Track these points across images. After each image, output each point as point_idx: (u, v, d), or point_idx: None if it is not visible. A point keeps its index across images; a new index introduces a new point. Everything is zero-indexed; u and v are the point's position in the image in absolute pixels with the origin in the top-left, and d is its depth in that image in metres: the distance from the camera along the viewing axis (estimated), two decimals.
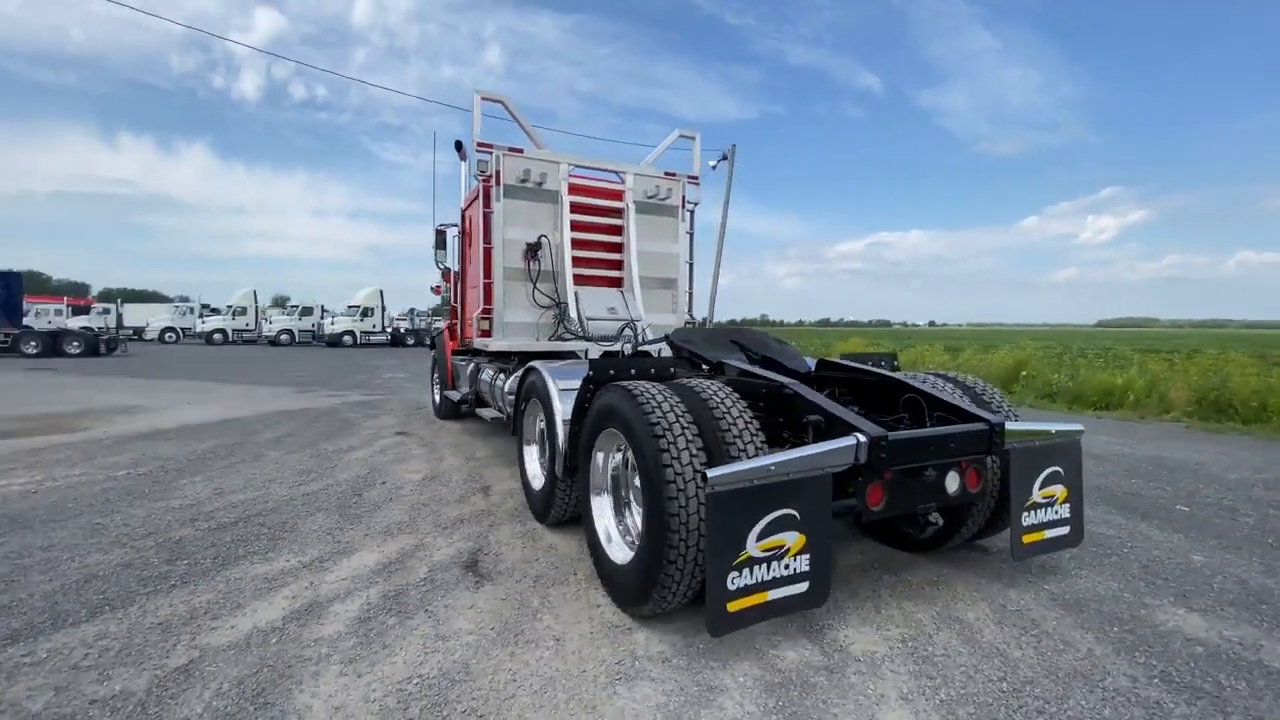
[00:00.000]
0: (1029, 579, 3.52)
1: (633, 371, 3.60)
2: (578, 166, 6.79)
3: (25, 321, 24.50)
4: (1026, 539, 3.29)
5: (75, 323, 35.64)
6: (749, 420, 2.94)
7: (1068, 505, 3.44)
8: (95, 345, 23.01)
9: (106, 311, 41.72)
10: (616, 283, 6.99)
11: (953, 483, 3.10)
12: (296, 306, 40.83)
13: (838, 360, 4.17)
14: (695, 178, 7.36)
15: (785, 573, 2.60)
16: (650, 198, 7.06)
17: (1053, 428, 3.40)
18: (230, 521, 4.41)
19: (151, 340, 38.85)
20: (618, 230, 6.98)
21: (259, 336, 38.45)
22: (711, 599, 2.43)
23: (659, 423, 2.80)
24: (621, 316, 6.48)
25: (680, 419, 2.85)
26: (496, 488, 5.46)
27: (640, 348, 5.79)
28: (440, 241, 8.83)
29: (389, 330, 35.99)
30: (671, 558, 2.66)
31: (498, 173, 6.29)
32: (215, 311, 41.27)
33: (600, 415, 3.31)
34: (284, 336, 36.84)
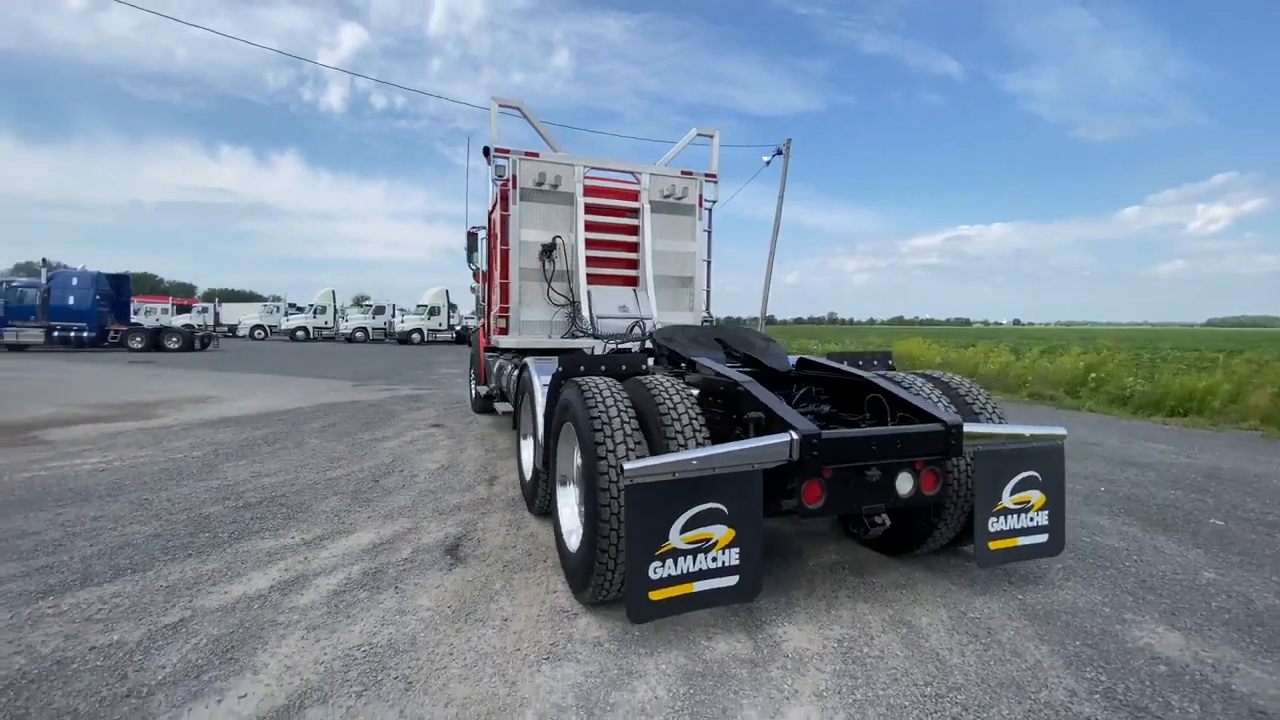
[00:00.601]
0: (1004, 588, 3.39)
1: (603, 368, 3.72)
2: (594, 168, 6.96)
3: (134, 319, 27.22)
4: (994, 545, 3.18)
5: (178, 320, 39.29)
6: (694, 416, 3.01)
7: (1046, 512, 3.29)
8: (191, 341, 25.29)
9: (205, 310, 45.64)
10: (632, 281, 7.11)
11: (905, 484, 3.04)
12: (371, 305, 43.29)
13: (815, 359, 4.13)
14: (713, 176, 7.37)
15: (713, 565, 2.66)
16: (666, 197, 7.13)
17: (1027, 430, 3.27)
18: (256, 501, 4.85)
19: (243, 337, 42.18)
20: (634, 230, 7.10)
21: (336, 334, 41.00)
22: (631, 586, 2.52)
23: (598, 416, 2.92)
24: (632, 315, 6.60)
25: (622, 414, 2.95)
26: (502, 479, 5.71)
27: (648, 345, 5.92)
28: (472, 244, 9.22)
29: (455, 328, 37.51)
30: (603, 546, 2.77)
31: (514, 177, 6.54)
32: (299, 310, 44.32)
33: (561, 409, 3.46)
34: (359, 334, 39.12)
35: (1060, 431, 3.35)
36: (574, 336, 6.56)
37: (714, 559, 2.66)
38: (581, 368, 3.68)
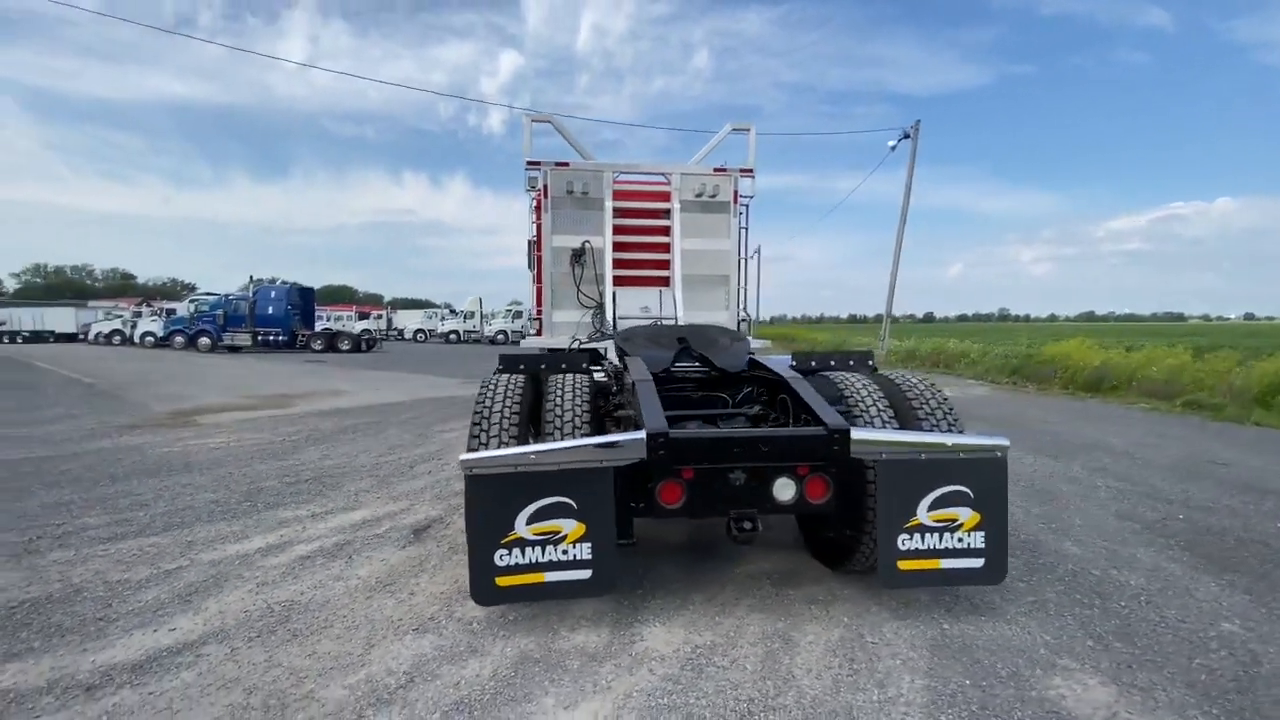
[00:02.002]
0: (936, 615, 3.04)
1: (543, 366, 3.90)
2: (623, 172, 7.13)
3: (318, 325, 32.21)
4: (907, 565, 2.87)
5: (358, 326, 45.64)
6: (580, 412, 3.10)
7: (981, 534, 2.90)
8: (358, 343, 29.36)
9: (379, 317, 52.51)
10: (664, 282, 7.16)
11: (786, 491, 2.88)
12: (511, 310, 47.04)
13: (760, 359, 3.95)
14: (749, 171, 7.18)
15: (563, 558, 2.74)
16: (699, 196, 7.09)
17: (950, 440, 2.90)
18: (306, 479, 5.69)
19: (408, 340, 47.93)
20: (665, 230, 7.15)
21: (481, 336, 45.11)
22: (474, 570, 2.70)
23: (478, 409, 3.12)
24: (653, 315, 6.66)
25: (508, 407, 3.13)
26: None
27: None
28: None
29: None
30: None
31: (545, 186, 6.92)
32: (455, 315, 49.35)
33: None
34: (500, 336, 42.71)
35: (998, 442, 2.92)
36: (599, 338, 6.78)
37: (564, 552, 2.73)
38: (521, 365, 3.90)
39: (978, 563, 2.90)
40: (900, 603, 3.16)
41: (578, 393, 3.21)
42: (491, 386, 3.27)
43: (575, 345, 5.42)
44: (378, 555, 3.83)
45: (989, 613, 3.07)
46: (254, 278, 30.68)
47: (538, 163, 6.94)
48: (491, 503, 2.69)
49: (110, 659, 2.62)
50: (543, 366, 3.89)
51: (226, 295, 29.83)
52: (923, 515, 2.87)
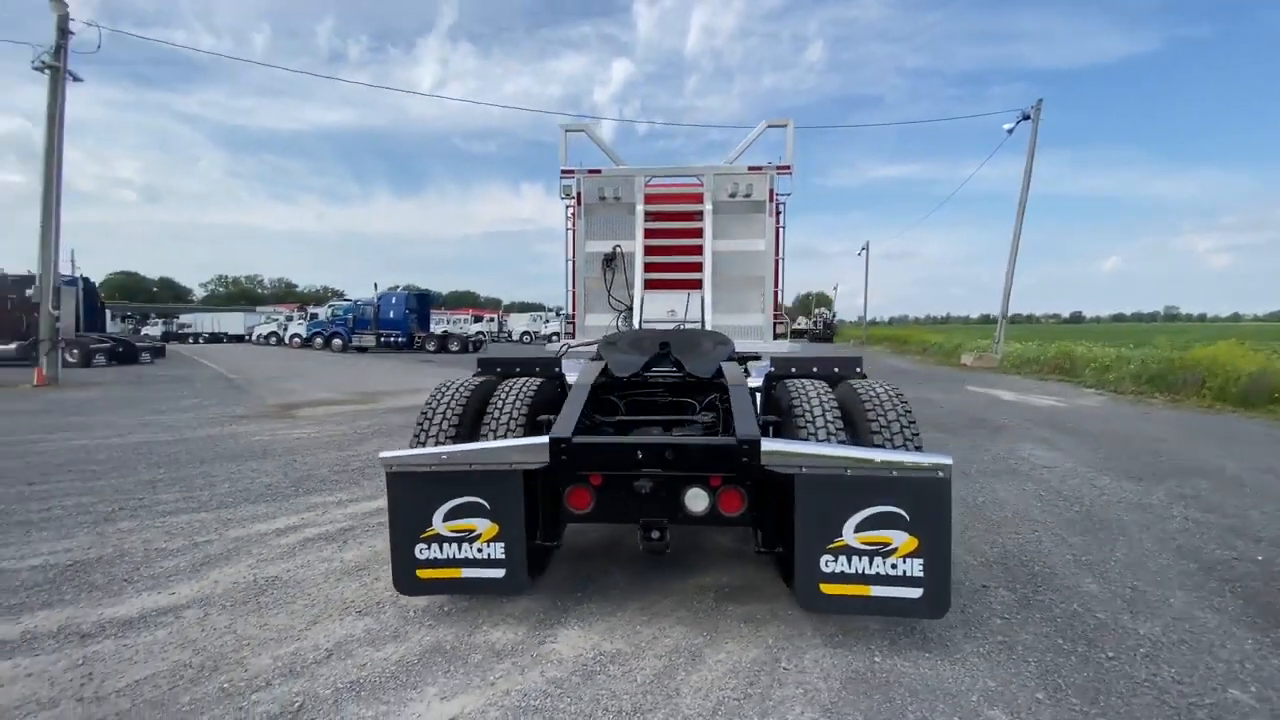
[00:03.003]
0: (875, 645, 2.80)
1: (518, 370, 4.06)
2: (656, 176, 7.15)
3: (434, 328, 34.97)
4: (830, 589, 2.68)
5: (473, 328, 48.93)
6: (517, 415, 3.21)
7: (919, 561, 2.64)
8: (467, 344, 31.52)
9: (491, 320, 55.93)
10: (696, 285, 7.08)
11: (698, 502, 2.80)
12: None
13: (727, 365, 3.82)
14: (786, 167, 6.92)
15: (478, 556, 2.86)
16: (732, 196, 6.94)
17: (879, 456, 2.66)
18: (353, 469, 6.28)
19: (515, 340, 50.66)
20: (698, 233, 7.07)
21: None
22: (396, 561, 2.88)
23: (424, 410, 3.31)
24: (679, 319, 6.61)
25: (450, 409, 3.30)
26: None
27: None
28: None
29: None
30: None
31: (579, 194, 7.11)
32: (559, 317, 51.51)
33: None
34: (524, 336, 44.04)
35: (939, 461, 2.62)
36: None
37: (479, 550, 2.85)
38: (498, 369, 4.08)
39: (914, 593, 2.64)
40: (841, 629, 2.94)
41: (519, 396, 3.31)
42: (444, 389, 3.45)
43: (564, 350, 5.52)
44: (369, 542, 4.16)
45: (938, 649, 2.78)
46: (377, 284, 33.97)
47: (572, 170, 7.14)
48: (410, 499, 2.86)
49: (113, 614, 3.10)
50: (517, 370, 4.04)
51: (356, 301, 33.26)
52: (849, 536, 2.66)
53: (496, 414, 3.23)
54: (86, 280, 24.14)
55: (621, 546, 4.01)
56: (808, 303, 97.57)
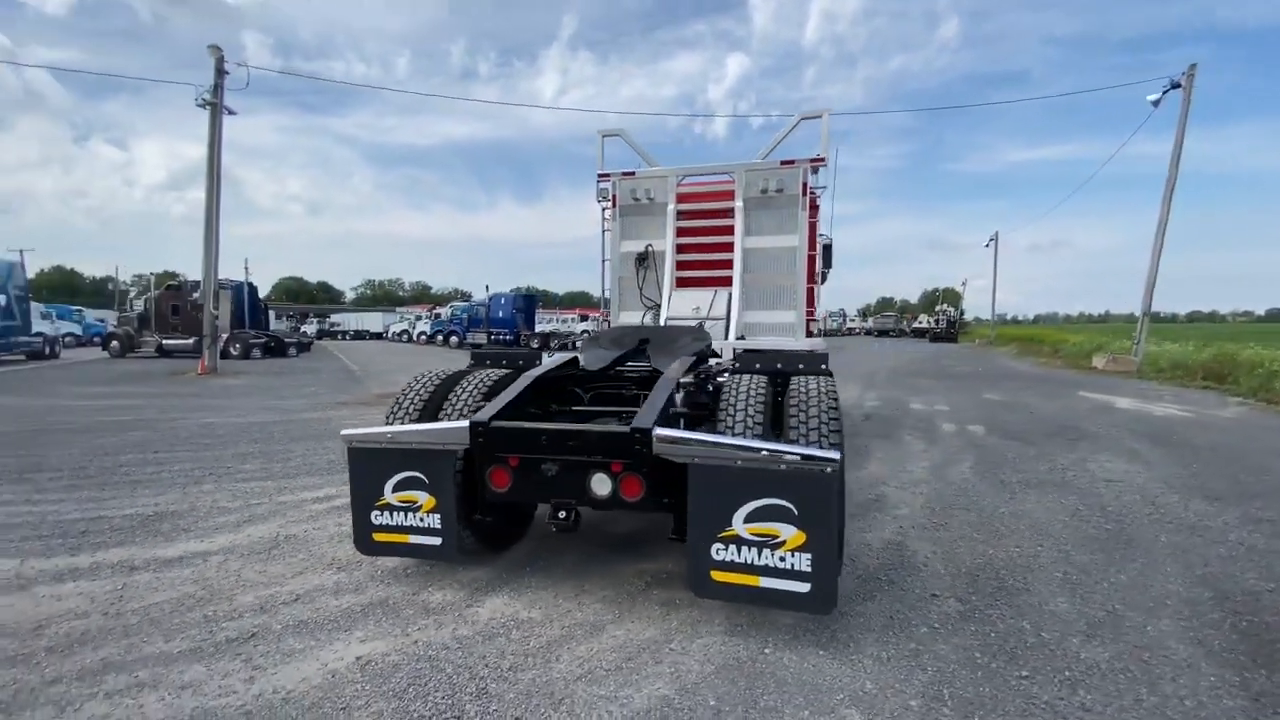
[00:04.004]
0: (775, 638, 2.82)
1: (504, 361, 4.42)
2: (689, 175, 7.25)
3: (540, 328, 36.95)
4: (721, 576, 2.75)
5: (579, 327, 50.89)
6: (471, 400, 3.56)
7: (807, 556, 2.64)
8: (566, 342, 32.98)
9: (597, 319, 57.81)
10: (727, 282, 7.10)
11: (602, 486, 2.96)
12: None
13: (676, 361, 3.90)
14: (820, 160, 6.74)
15: (419, 524, 3.23)
16: (763, 192, 6.88)
17: (769, 447, 2.67)
18: None
19: None
20: (729, 230, 7.09)
21: None
22: (356, 524, 3.33)
23: (398, 395, 3.74)
24: (702, 316, 6.68)
25: (417, 394, 3.71)
26: None
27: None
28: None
29: None
30: None
31: (614, 196, 7.39)
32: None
33: None
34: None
35: (828, 455, 2.59)
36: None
37: (420, 519, 3.23)
38: (488, 361, 4.47)
39: (802, 587, 2.63)
40: (751, 620, 2.98)
41: (477, 386, 3.65)
42: (419, 378, 3.88)
43: (553, 347, 5.79)
44: (337, 522, 4.71)
45: (837, 648, 2.74)
46: (488, 286, 36.48)
47: (608, 174, 7.44)
48: (366, 471, 3.29)
49: (161, 555, 3.84)
50: (504, 362, 4.40)
51: (471, 302, 35.94)
52: (738, 526, 2.71)
53: (454, 400, 3.59)
54: (250, 285, 28.22)
55: (585, 532, 4.23)
56: (934, 299, 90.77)
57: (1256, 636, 2.85)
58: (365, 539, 3.33)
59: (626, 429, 2.83)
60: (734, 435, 3.03)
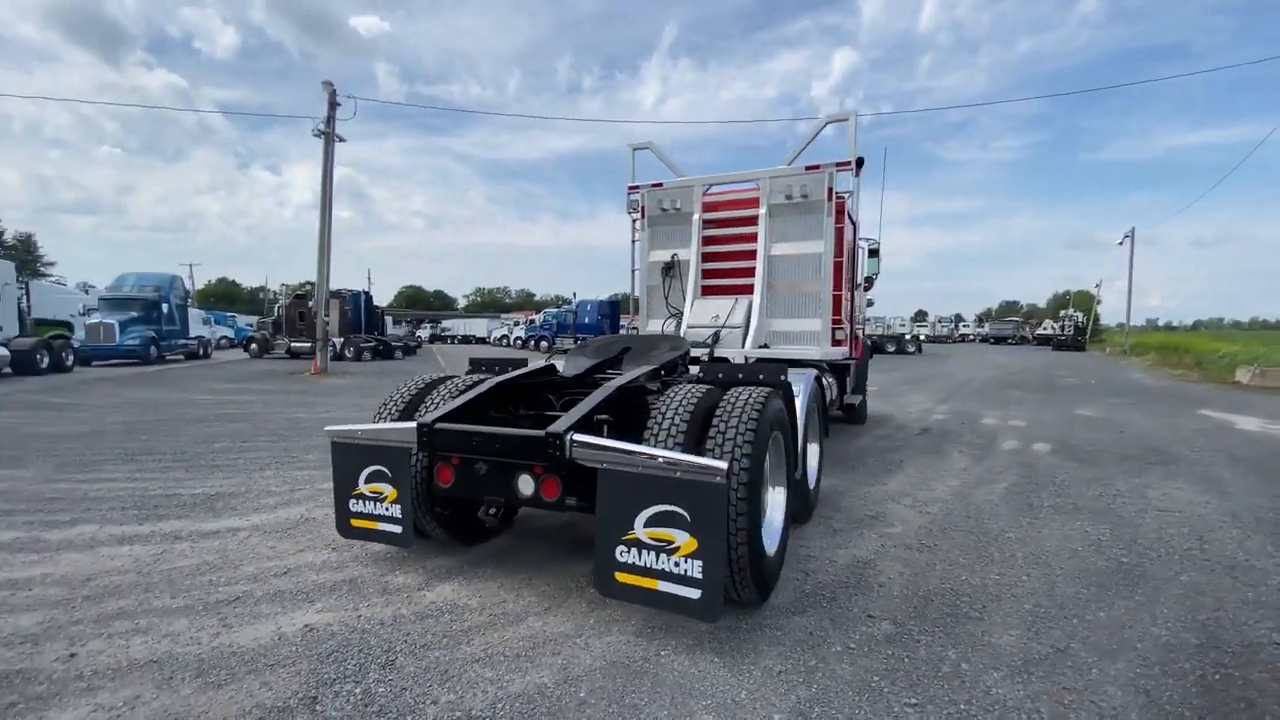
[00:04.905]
0: (677, 640, 2.90)
1: (495, 368, 4.76)
2: (715, 184, 7.30)
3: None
4: (623, 578, 2.87)
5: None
6: (441, 401, 3.91)
7: (699, 563, 2.71)
8: None
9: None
10: (750, 290, 7.07)
11: (526, 487, 3.17)
12: None
13: (635, 370, 4.01)
14: (847, 163, 6.55)
15: (385, 513, 3.61)
16: (788, 198, 6.80)
17: (665, 455, 2.76)
18: None
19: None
20: (754, 238, 7.06)
21: None
22: (337, 510, 3.76)
23: (386, 396, 4.17)
24: (720, 324, 6.70)
25: (401, 396, 4.11)
26: None
27: (717, 352, 6.19)
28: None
29: (869, 337, 36.99)
30: None
31: (643, 207, 7.59)
32: None
33: None
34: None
35: (715, 465, 2.63)
36: None
37: (386, 509, 3.60)
38: (483, 368, 4.83)
39: (694, 593, 2.70)
40: (667, 625, 3.06)
41: (451, 389, 4.00)
42: (405, 381, 4.29)
43: (549, 355, 5.99)
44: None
45: (732, 658, 2.77)
46: (575, 294, 37.76)
47: (637, 186, 7.66)
48: (344, 463, 3.72)
49: (204, 528, 4.52)
50: (496, 369, 4.73)
51: (560, 309, 37.45)
52: (639, 530, 2.82)
53: (429, 402, 3.95)
54: (366, 293, 31.20)
55: (554, 531, 4.45)
56: (1064, 302, 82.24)
57: (1223, 692, 2.53)
58: (344, 524, 3.75)
59: (543, 433, 3.03)
60: (657, 442, 3.13)
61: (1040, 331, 57.19)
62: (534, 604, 3.30)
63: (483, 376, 4.33)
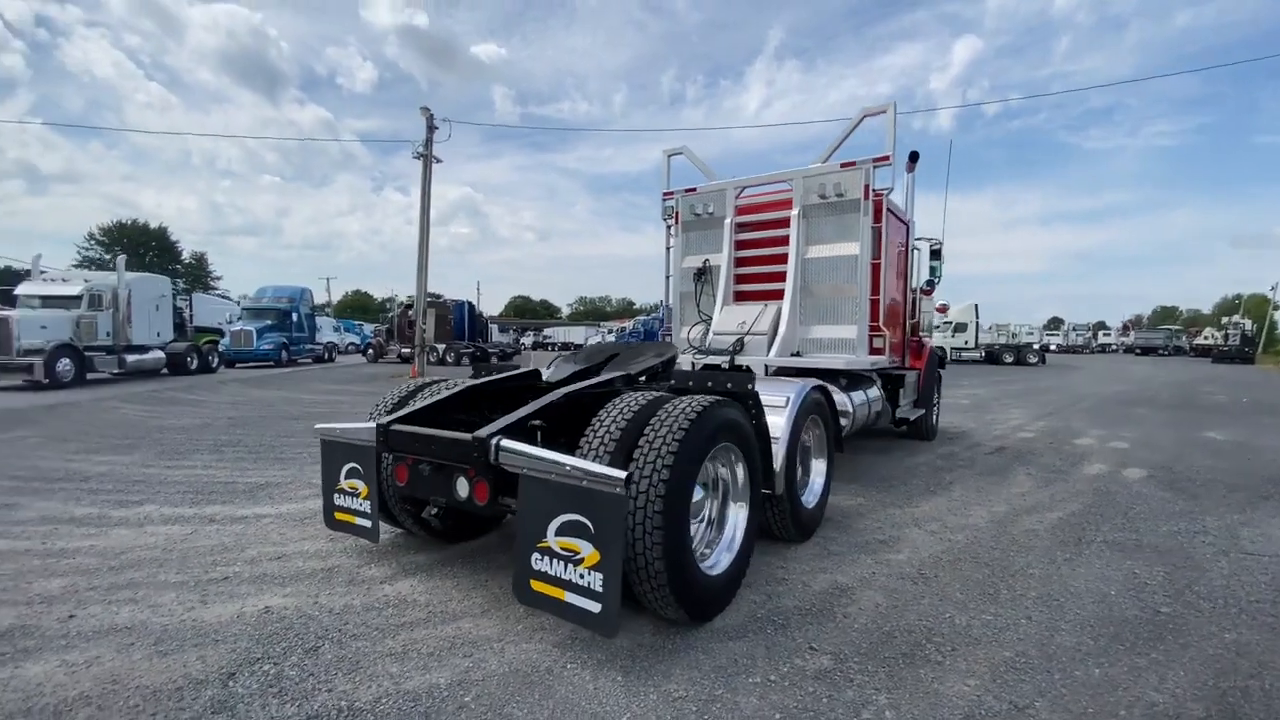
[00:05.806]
0: (596, 657, 2.83)
1: (493, 372, 4.91)
2: (748, 187, 7.07)
3: None
4: (538, 586, 2.85)
5: None
6: (420, 401, 4.10)
7: (600, 576, 2.63)
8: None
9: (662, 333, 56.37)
10: (781, 295, 6.76)
11: (462, 488, 3.23)
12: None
13: (607, 375, 3.93)
14: (885, 158, 6.10)
15: (359, 508, 3.84)
16: (822, 198, 6.45)
17: (573, 463, 2.71)
18: None
19: None
20: (786, 241, 6.75)
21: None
22: (324, 505, 4.04)
23: (381, 397, 4.42)
24: (747, 330, 6.45)
25: (393, 398, 4.34)
26: None
27: (738, 358, 6.02)
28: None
29: (983, 346, 33.92)
30: None
31: (677, 213, 7.51)
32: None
33: None
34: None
35: (613, 474, 2.53)
36: (703, 353, 6.95)
37: (360, 504, 3.83)
38: (484, 373, 4.99)
39: (595, 606, 2.62)
40: (592, 638, 2.99)
41: (434, 391, 4.17)
42: (400, 384, 4.53)
43: (553, 361, 5.96)
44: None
45: (639, 678, 2.66)
46: (662, 303, 37.95)
47: (671, 192, 7.59)
48: (329, 459, 3.99)
49: (237, 513, 5.03)
50: (493, 373, 4.88)
51: (648, 315, 37.83)
52: (551, 538, 2.79)
53: (415, 403, 4.15)
54: (469, 303, 33.32)
55: None
56: (1232, 308, 71.00)
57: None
58: (330, 517, 4.02)
59: (469, 437, 3.07)
60: (590, 450, 3.07)
61: (1199, 341, 49.77)
62: (476, 605, 3.35)
63: (466, 380, 4.48)
